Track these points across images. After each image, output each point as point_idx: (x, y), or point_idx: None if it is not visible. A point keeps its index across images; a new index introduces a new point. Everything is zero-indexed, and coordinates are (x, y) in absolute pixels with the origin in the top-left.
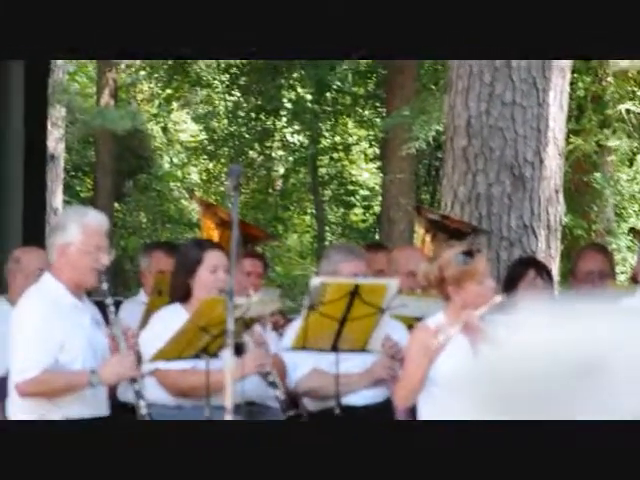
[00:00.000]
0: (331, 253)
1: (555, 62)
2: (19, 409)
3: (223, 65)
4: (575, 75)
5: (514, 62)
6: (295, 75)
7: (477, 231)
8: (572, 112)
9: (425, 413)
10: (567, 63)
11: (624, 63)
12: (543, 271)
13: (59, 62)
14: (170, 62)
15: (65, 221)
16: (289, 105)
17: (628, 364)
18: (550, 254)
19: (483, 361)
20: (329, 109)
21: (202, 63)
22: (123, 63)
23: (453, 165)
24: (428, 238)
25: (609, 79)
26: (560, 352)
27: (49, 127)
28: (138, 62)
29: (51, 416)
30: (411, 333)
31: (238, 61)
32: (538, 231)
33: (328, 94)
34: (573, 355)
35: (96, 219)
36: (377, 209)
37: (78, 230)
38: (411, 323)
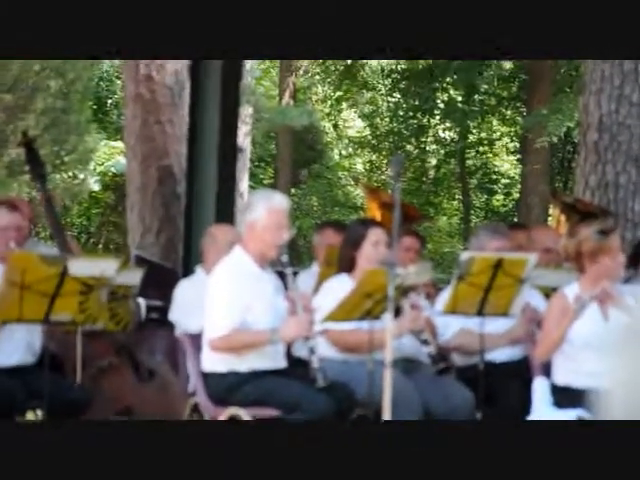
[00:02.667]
0: (480, 232)
1: None
2: (211, 362)
3: (386, 71)
4: None
5: None
6: (448, 79)
7: (605, 213)
8: None
9: (559, 369)
10: None
11: None
12: None
13: (247, 67)
14: (341, 68)
15: (254, 202)
16: (442, 105)
17: None
18: None
19: (614, 324)
20: (476, 109)
21: (368, 69)
22: (302, 69)
23: (585, 157)
24: (563, 218)
25: None
26: None
27: (239, 124)
28: (315, 68)
29: (238, 368)
30: (550, 300)
31: (399, 67)
32: None
33: (476, 96)
34: None
35: (279, 201)
36: (516, 196)
37: (264, 210)
38: (548, 292)
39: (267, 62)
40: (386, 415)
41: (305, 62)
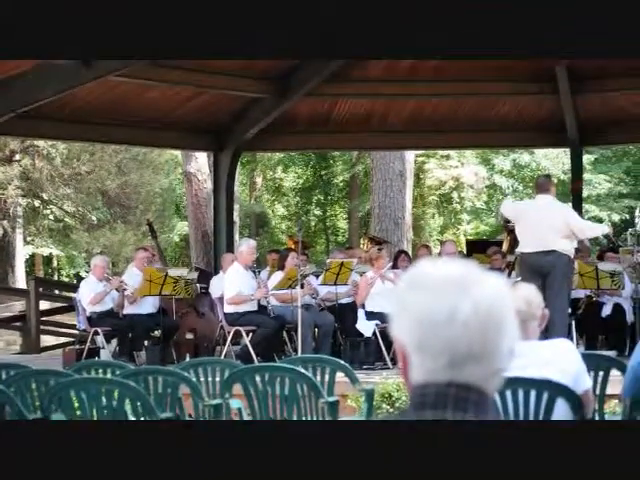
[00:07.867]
0: (334, 251)
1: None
2: (228, 308)
3: (297, 189)
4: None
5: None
6: (317, 191)
7: (385, 242)
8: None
9: (368, 304)
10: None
11: None
12: (407, 255)
13: (236, 190)
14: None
15: (241, 243)
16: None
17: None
18: (409, 249)
19: (386, 284)
20: (327, 202)
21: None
22: (257, 190)
23: (374, 221)
24: (369, 244)
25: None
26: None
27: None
28: (263, 189)
29: (238, 310)
30: (362, 277)
31: (299, 187)
32: (405, 245)
33: (329, 197)
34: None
35: (251, 242)
36: (346, 236)
37: (245, 246)
38: (362, 273)
39: (243, 187)
40: (299, 327)
41: (258, 187)
